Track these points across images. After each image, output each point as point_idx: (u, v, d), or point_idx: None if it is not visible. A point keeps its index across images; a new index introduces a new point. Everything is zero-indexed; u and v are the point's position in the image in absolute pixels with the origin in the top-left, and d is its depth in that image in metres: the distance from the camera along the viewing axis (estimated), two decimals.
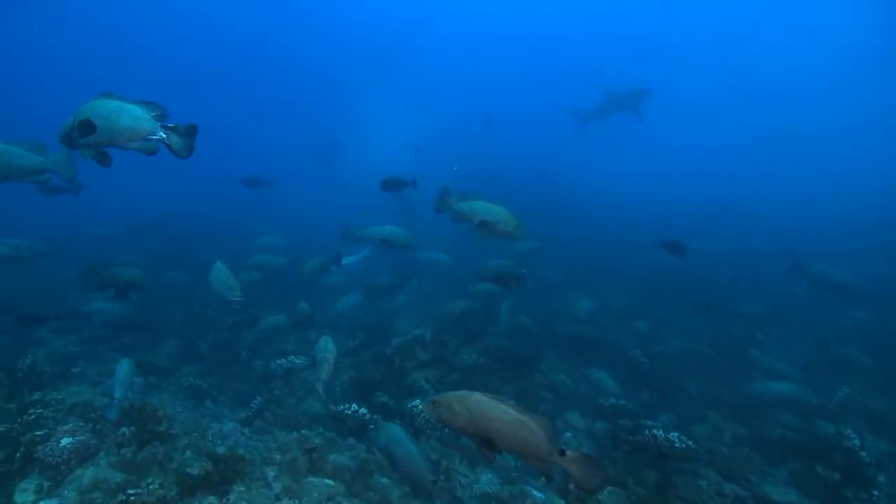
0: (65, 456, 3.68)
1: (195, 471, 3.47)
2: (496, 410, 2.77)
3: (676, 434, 4.57)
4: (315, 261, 8.00)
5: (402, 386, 6.69)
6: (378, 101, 36.72)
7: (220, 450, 3.96)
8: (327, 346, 4.81)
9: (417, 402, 5.85)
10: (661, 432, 4.57)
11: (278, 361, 6.41)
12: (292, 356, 6.59)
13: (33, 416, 4.22)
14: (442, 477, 4.68)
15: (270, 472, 3.77)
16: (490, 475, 5.47)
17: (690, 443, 4.50)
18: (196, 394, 6.53)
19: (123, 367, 4.52)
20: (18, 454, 3.76)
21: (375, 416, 5.53)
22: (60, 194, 9.12)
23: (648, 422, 6.57)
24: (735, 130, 38.01)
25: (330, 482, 3.88)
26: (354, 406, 5.47)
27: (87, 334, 7.95)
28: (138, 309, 8.45)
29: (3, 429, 4.19)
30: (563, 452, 2.70)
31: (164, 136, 3.05)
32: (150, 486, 3.35)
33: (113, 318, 8.01)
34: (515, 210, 4.67)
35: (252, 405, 5.76)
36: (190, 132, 3.09)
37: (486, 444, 2.82)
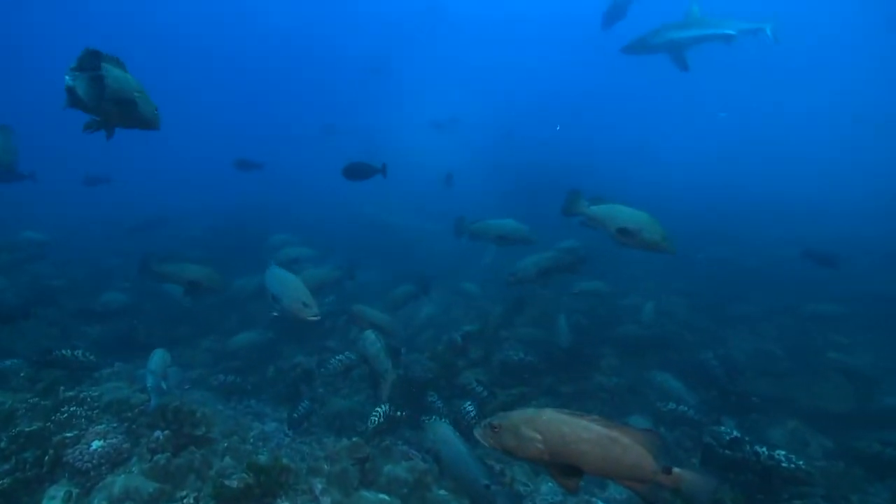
0: (95, 461, 3.34)
1: (234, 483, 3.06)
2: (578, 429, 2.21)
3: (783, 452, 3.92)
4: (319, 272, 6.53)
5: (454, 385, 6.23)
6: (407, 86, 36.15)
7: (263, 458, 3.56)
8: (377, 339, 4.41)
9: (468, 404, 5.38)
10: (764, 449, 3.93)
11: (338, 357, 5.96)
12: (346, 353, 6.11)
13: (66, 415, 3.93)
14: (506, 487, 4.21)
15: (318, 485, 3.34)
16: (552, 484, 4.96)
17: (801, 463, 3.84)
18: (236, 391, 6.22)
19: (156, 356, 4.28)
20: (47, 457, 3.45)
21: (404, 413, 5.07)
22: (17, 182, 8.52)
23: (722, 429, 5.96)
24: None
25: (385, 497, 3.44)
26: (381, 409, 4.69)
27: (127, 328, 7.78)
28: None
29: (35, 427, 3.91)
30: (668, 470, 2.17)
31: (67, 80, 2.63)
32: (185, 501, 2.96)
33: (113, 306, 7.75)
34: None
35: (300, 408, 5.36)
36: (90, 63, 2.59)
37: (568, 472, 2.28)
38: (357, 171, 6.16)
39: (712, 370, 7.33)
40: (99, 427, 3.62)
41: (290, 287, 4.22)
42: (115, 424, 3.76)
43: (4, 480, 3.42)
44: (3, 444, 3.78)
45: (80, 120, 3.11)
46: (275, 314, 4.26)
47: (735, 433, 5.65)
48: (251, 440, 4.63)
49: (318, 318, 4.15)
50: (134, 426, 3.91)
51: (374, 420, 4.46)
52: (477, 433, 2.43)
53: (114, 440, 3.47)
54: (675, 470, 2.18)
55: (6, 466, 3.62)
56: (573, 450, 2.20)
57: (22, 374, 5.49)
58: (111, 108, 3.04)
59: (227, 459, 3.56)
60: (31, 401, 4.35)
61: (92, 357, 5.86)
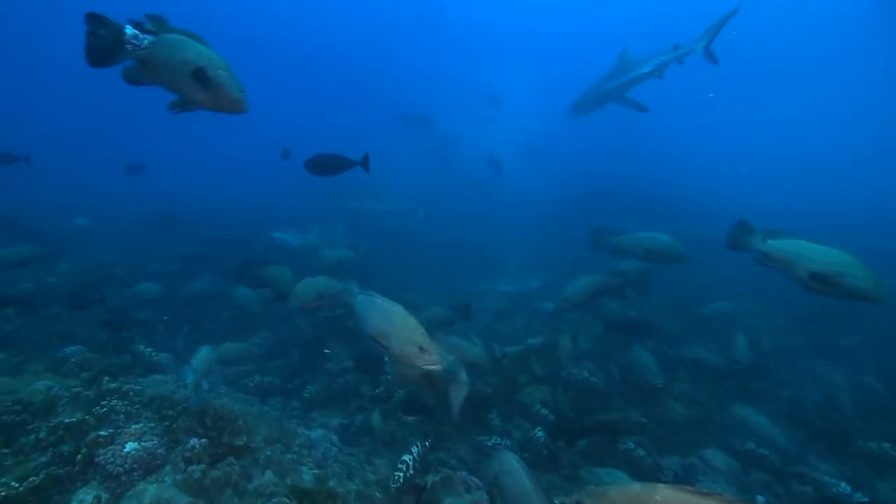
0: (127, 465, 3.03)
1: None
2: None
3: None
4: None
5: (515, 401, 5.70)
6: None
7: (307, 477, 3.16)
8: (446, 353, 3.96)
9: (538, 429, 4.84)
10: None
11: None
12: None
13: (105, 409, 3.67)
14: None
15: None
16: None
17: None
18: (275, 392, 5.92)
19: (201, 354, 4.03)
20: (80, 456, 3.18)
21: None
22: (12, 163, 8.44)
23: (826, 478, 5.19)
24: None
25: None
26: (408, 457, 3.74)
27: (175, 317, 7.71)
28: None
29: (75, 419, 3.68)
30: None
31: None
32: None
33: (147, 296, 7.82)
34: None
35: (354, 421, 4.99)
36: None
37: None
38: (325, 165, 5.00)
39: (803, 407, 6.53)
40: (136, 426, 3.33)
41: (400, 324, 3.30)
42: (152, 424, 3.46)
43: (39, 475, 3.17)
44: (42, 434, 3.57)
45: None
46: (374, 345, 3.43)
47: (843, 485, 4.91)
48: (295, 448, 4.27)
49: (440, 367, 3.23)
50: (173, 426, 3.61)
51: (399, 476, 3.54)
52: None
53: (149, 443, 3.16)
54: None
55: (42, 459, 3.39)
56: None
57: (73, 360, 5.39)
58: (188, 84, 2.84)
59: (269, 474, 3.18)
60: (74, 389, 4.15)
61: (155, 358, 5.84)
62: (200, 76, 2.77)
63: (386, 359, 4.23)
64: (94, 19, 2.71)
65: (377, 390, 5.55)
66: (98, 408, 3.73)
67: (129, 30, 2.76)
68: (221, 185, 24.69)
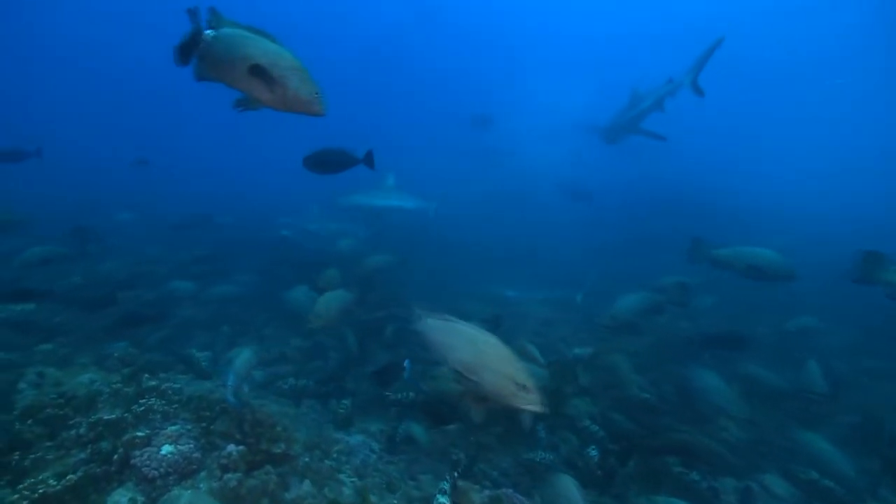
0: (162, 469, 2.92)
1: None
2: None
3: None
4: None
5: (560, 413, 5.40)
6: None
7: (347, 490, 2.99)
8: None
9: (593, 449, 4.55)
10: None
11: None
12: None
13: (143, 408, 3.59)
14: None
15: None
16: None
17: None
18: (309, 395, 5.79)
19: (242, 356, 3.92)
20: (116, 456, 3.09)
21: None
22: (24, 160, 8.15)
23: None
24: None
25: None
26: (444, 499, 3.22)
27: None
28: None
29: (114, 416, 3.61)
30: None
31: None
32: None
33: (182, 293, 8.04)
34: None
35: (394, 428, 4.81)
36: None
37: None
38: (325, 163, 4.58)
39: (875, 435, 5.98)
40: (172, 428, 3.22)
41: (494, 357, 2.74)
42: (189, 426, 3.34)
43: (77, 473, 3.10)
44: (82, 430, 3.52)
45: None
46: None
47: None
48: (334, 454, 4.13)
49: (545, 410, 2.68)
50: (211, 428, 3.51)
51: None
52: None
53: (185, 447, 3.04)
54: None
55: (82, 455, 3.33)
56: None
57: (116, 355, 5.41)
58: (249, 82, 2.66)
59: (307, 484, 3.01)
60: (115, 385, 4.10)
61: (205, 364, 5.84)
62: (258, 73, 2.61)
63: (405, 365, 4.01)
64: (194, 16, 2.59)
65: (398, 395, 5.37)
66: (136, 406, 3.66)
67: (208, 30, 2.66)
68: (261, 184, 24.94)
